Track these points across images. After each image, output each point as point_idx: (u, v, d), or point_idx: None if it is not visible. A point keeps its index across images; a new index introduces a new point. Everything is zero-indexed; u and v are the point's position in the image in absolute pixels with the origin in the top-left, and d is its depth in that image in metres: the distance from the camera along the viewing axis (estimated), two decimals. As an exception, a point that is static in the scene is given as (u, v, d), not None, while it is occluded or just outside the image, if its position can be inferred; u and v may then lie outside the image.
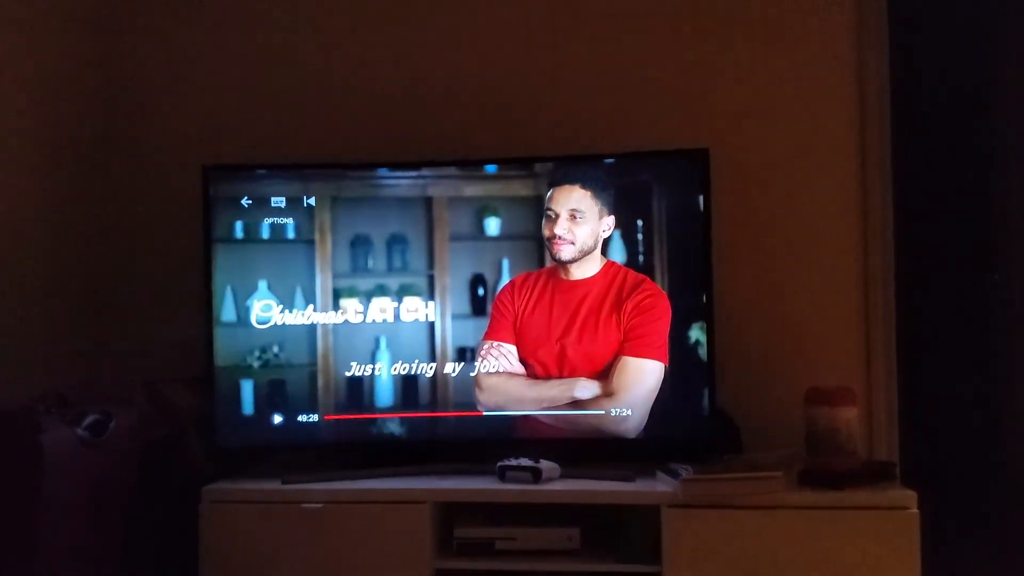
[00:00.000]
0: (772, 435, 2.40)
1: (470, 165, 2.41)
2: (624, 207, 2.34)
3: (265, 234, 2.39)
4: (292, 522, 2.19)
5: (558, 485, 2.22)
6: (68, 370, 2.51)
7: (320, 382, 2.38)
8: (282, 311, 2.38)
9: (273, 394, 2.38)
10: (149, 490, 2.26)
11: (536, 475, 2.20)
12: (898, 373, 2.58)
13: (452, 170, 2.41)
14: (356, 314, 2.39)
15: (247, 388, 2.38)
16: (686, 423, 2.31)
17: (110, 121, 2.75)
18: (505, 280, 2.38)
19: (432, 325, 2.38)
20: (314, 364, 2.38)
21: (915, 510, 2.06)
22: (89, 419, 2.09)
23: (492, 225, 2.39)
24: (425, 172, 2.41)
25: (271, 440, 2.39)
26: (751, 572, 2.08)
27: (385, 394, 2.39)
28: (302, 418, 2.37)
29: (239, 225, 2.39)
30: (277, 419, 2.38)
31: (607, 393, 2.31)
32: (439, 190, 2.40)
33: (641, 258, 2.34)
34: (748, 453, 2.36)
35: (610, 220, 2.34)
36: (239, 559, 2.19)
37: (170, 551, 2.30)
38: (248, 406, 2.38)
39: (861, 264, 2.57)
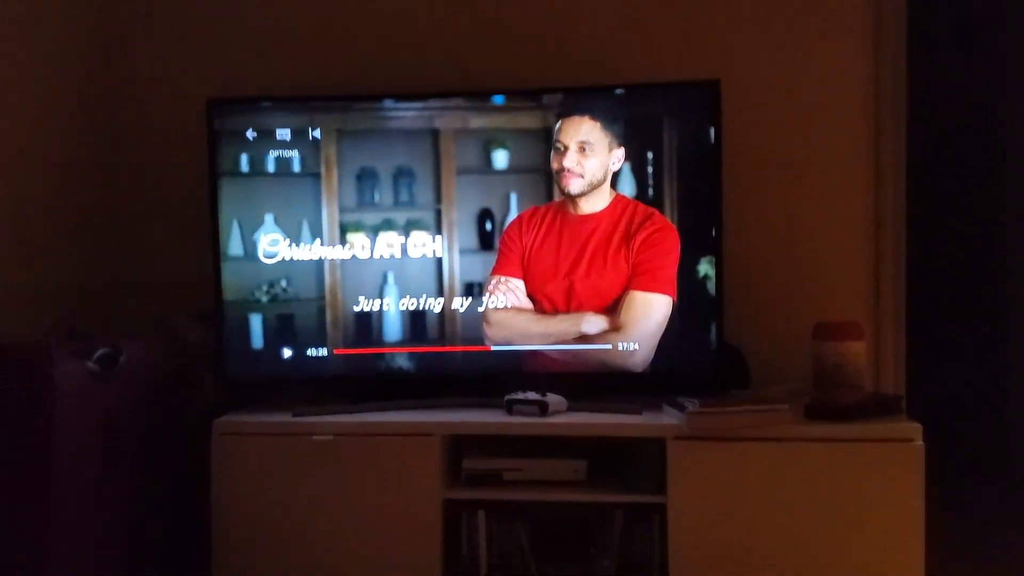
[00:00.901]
0: (780, 369, 2.41)
1: (477, 96, 2.37)
2: (634, 140, 2.31)
3: (271, 168, 2.37)
4: (303, 454, 2.22)
5: (564, 418, 2.23)
6: (77, 305, 2.52)
7: (328, 316, 2.39)
8: (289, 245, 2.37)
9: (282, 328, 2.39)
10: (160, 422, 2.29)
11: (543, 408, 2.22)
12: (907, 309, 2.58)
13: (459, 101, 2.37)
14: (363, 249, 2.38)
15: (256, 322, 2.39)
16: (693, 357, 2.31)
17: (113, 56, 2.71)
18: (513, 214, 2.36)
19: (440, 260, 2.37)
20: (322, 299, 2.38)
21: (920, 442, 2.07)
22: (99, 353, 2.10)
23: (500, 158, 2.37)
24: (431, 103, 2.38)
25: (281, 374, 2.40)
26: (755, 503, 2.10)
27: (393, 329, 2.39)
28: (311, 352, 2.38)
29: (244, 158, 2.37)
30: (287, 353, 2.39)
31: (615, 327, 2.31)
32: (446, 122, 2.37)
33: (651, 191, 2.32)
34: (755, 387, 2.37)
35: (620, 153, 2.31)
36: (251, 490, 2.22)
37: (182, 482, 2.33)
38: (257, 340, 2.39)
39: (872, 199, 2.54)
